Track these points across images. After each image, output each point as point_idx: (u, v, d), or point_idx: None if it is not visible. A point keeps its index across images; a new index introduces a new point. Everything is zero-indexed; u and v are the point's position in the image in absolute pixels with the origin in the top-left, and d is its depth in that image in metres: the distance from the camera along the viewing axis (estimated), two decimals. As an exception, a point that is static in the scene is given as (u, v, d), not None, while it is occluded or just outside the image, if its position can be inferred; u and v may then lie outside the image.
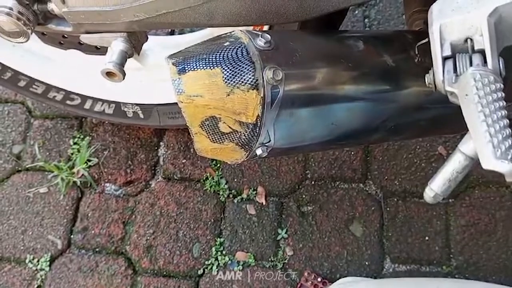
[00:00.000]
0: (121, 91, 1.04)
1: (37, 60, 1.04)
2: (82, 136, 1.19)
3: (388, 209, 1.07)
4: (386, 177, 1.10)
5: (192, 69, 0.50)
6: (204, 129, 0.53)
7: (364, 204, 1.08)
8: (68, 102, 1.08)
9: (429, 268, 1.02)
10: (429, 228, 1.05)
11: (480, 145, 0.38)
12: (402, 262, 1.02)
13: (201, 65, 0.51)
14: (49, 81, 1.06)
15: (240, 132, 0.52)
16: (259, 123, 0.52)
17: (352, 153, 1.13)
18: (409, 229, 1.05)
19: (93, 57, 0.95)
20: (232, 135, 0.53)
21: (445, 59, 0.48)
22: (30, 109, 1.23)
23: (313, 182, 1.10)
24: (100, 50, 0.90)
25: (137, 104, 1.05)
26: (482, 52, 0.46)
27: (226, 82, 0.50)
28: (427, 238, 1.04)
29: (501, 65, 0.45)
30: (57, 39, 0.90)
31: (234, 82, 0.50)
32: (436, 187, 0.44)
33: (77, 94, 1.07)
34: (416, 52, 0.61)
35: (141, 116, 1.07)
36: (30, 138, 1.20)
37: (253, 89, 0.50)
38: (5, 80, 1.04)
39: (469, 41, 0.47)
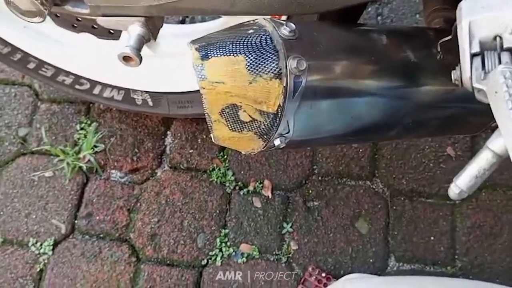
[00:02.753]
0: (131, 78, 1.04)
1: (48, 42, 1.03)
2: (89, 122, 1.18)
3: (394, 207, 1.07)
4: (393, 176, 1.10)
5: (215, 55, 0.50)
6: (223, 117, 0.52)
7: (371, 202, 1.07)
8: (77, 86, 1.07)
9: (434, 268, 1.01)
10: (435, 228, 1.04)
11: (510, 142, 0.37)
12: (407, 261, 1.02)
13: (224, 52, 0.50)
14: (59, 65, 1.05)
15: (260, 121, 0.52)
16: (279, 113, 0.51)
17: (360, 150, 1.12)
18: (415, 228, 1.05)
19: (105, 42, 0.94)
20: (251, 124, 0.52)
21: (473, 56, 0.47)
22: (37, 92, 1.22)
23: (320, 178, 1.10)
24: (114, 35, 0.89)
25: (146, 92, 1.04)
26: (511, 51, 0.46)
27: (249, 70, 0.49)
28: (432, 238, 1.04)
29: (530, 64, 0.45)
30: (70, 21, 0.88)
31: (257, 70, 0.49)
32: (462, 184, 0.44)
33: (87, 79, 1.06)
34: (439, 49, 0.60)
35: (150, 104, 1.06)
36: (37, 121, 1.19)
37: (276, 78, 0.50)
38: (14, 61, 1.03)
39: (498, 38, 0.46)
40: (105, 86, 1.06)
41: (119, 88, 1.06)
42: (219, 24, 0.99)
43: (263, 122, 0.52)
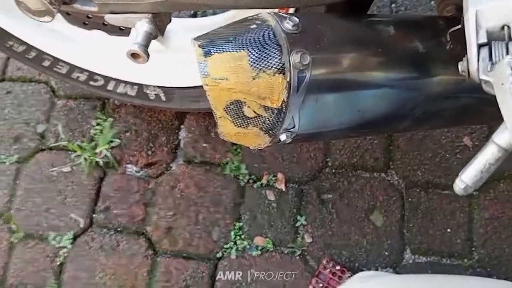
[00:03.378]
0: (144, 73, 1.04)
1: (62, 40, 1.05)
2: (104, 117, 1.20)
3: (410, 199, 1.05)
4: (409, 167, 1.08)
5: (218, 51, 0.50)
6: (228, 113, 0.52)
7: (385, 194, 1.06)
8: (91, 82, 1.09)
9: (450, 261, 1.00)
10: (451, 220, 1.03)
11: (516, 136, 0.36)
12: (423, 254, 1.01)
13: (227, 48, 0.50)
14: (73, 62, 1.06)
15: (265, 117, 0.52)
16: (284, 108, 0.51)
17: (375, 141, 1.11)
18: (431, 220, 1.03)
19: (117, 38, 0.95)
20: (256, 120, 0.52)
21: (480, 46, 0.46)
22: (53, 89, 1.25)
23: (333, 170, 1.09)
24: (124, 31, 0.90)
25: (159, 87, 1.05)
26: (519, 40, 0.44)
27: (252, 65, 0.49)
28: (449, 230, 1.02)
29: (540, 54, 0.43)
30: (81, 19, 0.89)
31: (260, 65, 0.49)
32: (467, 178, 0.43)
33: (101, 75, 1.07)
34: (448, 39, 0.59)
35: (163, 98, 1.07)
36: (54, 117, 1.21)
37: (279, 73, 0.49)
38: (30, 59, 1.05)
39: (506, 28, 0.45)
40: (118, 82, 1.07)
41: (132, 84, 1.07)
42: (229, 17, 0.98)
43: (268, 118, 0.52)
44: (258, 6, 0.61)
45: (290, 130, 0.54)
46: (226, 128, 0.54)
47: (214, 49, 0.50)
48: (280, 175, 1.09)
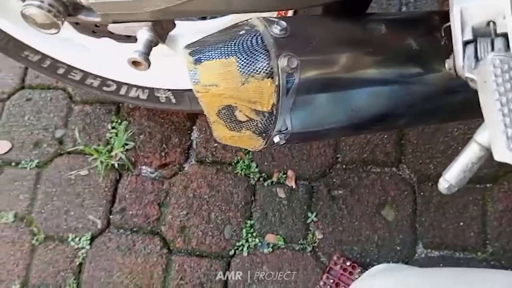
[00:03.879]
0: (154, 77, 1.07)
1: (74, 48, 1.08)
2: (119, 121, 1.23)
3: (421, 193, 1.05)
4: (420, 161, 1.08)
5: (208, 58, 0.51)
6: (221, 117, 0.54)
7: (397, 189, 1.06)
8: (104, 88, 1.12)
9: (463, 254, 0.99)
10: (464, 214, 1.02)
11: (493, 135, 0.36)
12: (435, 248, 1.01)
13: (216, 55, 0.51)
14: (86, 68, 1.10)
15: (257, 120, 0.53)
16: (275, 112, 0.52)
17: (385, 136, 1.11)
18: (443, 214, 1.02)
19: (126, 44, 0.97)
20: (249, 123, 0.53)
21: (466, 43, 0.46)
22: (70, 95, 1.29)
23: (344, 166, 1.10)
24: (131, 39, 0.92)
25: (169, 90, 1.07)
26: (505, 36, 0.44)
27: (240, 71, 0.50)
28: (462, 223, 1.01)
29: (525, 49, 0.43)
30: (89, 28, 0.92)
31: (248, 71, 0.50)
32: (450, 178, 0.43)
33: (113, 81, 1.10)
34: (443, 34, 0.58)
35: (173, 101, 1.09)
36: (71, 122, 1.25)
37: (267, 78, 0.50)
38: (45, 68, 1.09)
39: (491, 24, 0.45)
40: (130, 86, 1.10)
41: (143, 88, 1.09)
42: (236, 18, 0.99)
43: (260, 121, 0.53)
44: (252, 10, 0.62)
45: (284, 132, 0.55)
46: (221, 132, 0.56)
47: (204, 56, 0.51)
48: (290, 173, 1.10)
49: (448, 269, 0.94)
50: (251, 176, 1.11)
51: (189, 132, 1.20)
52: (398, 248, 1.01)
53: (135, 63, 0.69)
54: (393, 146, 1.10)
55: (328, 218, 1.05)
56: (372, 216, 1.04)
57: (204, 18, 1.31)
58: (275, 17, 0.55)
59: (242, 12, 0.62)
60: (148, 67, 0.70)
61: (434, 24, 0.60)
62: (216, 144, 1.17)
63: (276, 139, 0.55)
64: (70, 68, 1.10)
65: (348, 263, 0.99)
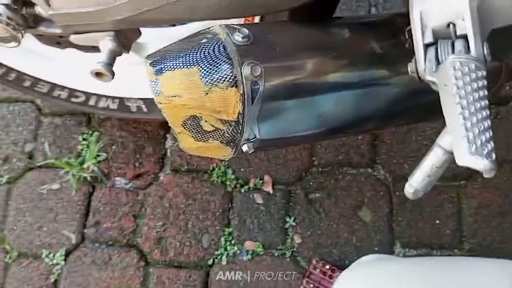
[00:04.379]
0: (123, 87, 1.05)
1: (40, 59, 1.05)
2: (90, 132, 1.20)
3: (397, 193, 1.05)
4: (395, 161, 1.08)
5: (169, 69, 0.50)
6: (186, 128, 0.52)
7: (373, 189, 1.06)
8: (73, 99, 1.09)
9: (441, 252, 1.00)
10: (440, 212, 1.02)
11: (455, 139, 0.36)
12: (413, 247, 1.01)
13: (178, 65, 0.50)
14: (53, 80, 1.07)
15: (223, 130, 0.52)
16: (241, 120, 0.51)
17: (360, 137, 1.11)
18: (420, 213, 1.03)
19: (93, 54, 0.95)
20: (215, 133, 0.52)
21: (427, 46, 0.46)
22: (39, 107, 1.26)
23: (320, 169, 1.09)
24: (97, 48, 0.90)
25: (140, 99, 1.05)
26: (465, 37, 0.44)
27: (203, 80, 0.49)
28: (438, 221, 1.02)
29: (485, 50, 0.43)
30: (54, 39, 0.90)
31: (212, 80, 0.49)
32: (415, 183, 0.43)
33: (81, 91, 1.08)
34: (407, 37, 0.58)
35: (145, 110, 1.07)
36: (41, 136, 1.22)
37: (232, 86, 0.49)
38: (10, 81, 1.06)
39: (451, 26, 0.45)
40: (99, 96, 1.08)
41: (113, 98, 1.07)
42: (205, 23, 0.98)
43: (227, 131, 0.52)
44: (215, 18, 0.61)
45: (252, 140, 0.54)
46: (187, 143, 0.54)
47: (165, 66, 0.50)
48: (266, 178, 1.10)
49: (429, 258, 0.94)
50: (228, 183, 1.10)
51: (162, 141, 1.18)
52: (376, 249, 1.02)
53: (98, 74, 0.68)
54: (367, 147, 1.10)
55: (306, 222, 1.05)
56: (350, 218, 1.04)
57: (173, 25, 1.30)
58: (237, 25, 0.54)
59: (205, 20, 0.61)
60: (112, 78, 0.68)
61: (398, 27, 0.60)
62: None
63: (245, 147, 0.54)
64: (36, 80, 1.07)
65: (327, 267, 0.98)
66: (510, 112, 1.09)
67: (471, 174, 1.04)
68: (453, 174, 1.04)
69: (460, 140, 0.35)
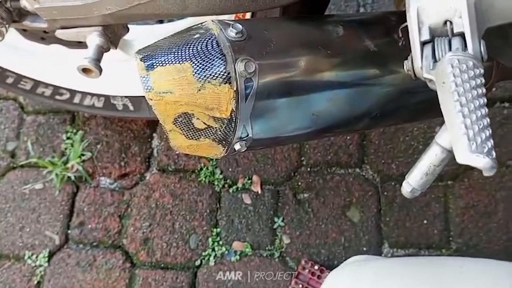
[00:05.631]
0: (109, 84, 1.03)
1: (23, 56, 1.02)
2: (74, 131, 1.18)
3: (385, 193, 1.05)
4: (383, 161, 1.08)
5: (161, 64, 0.48)
6: (177, 126, 0.51)
7: (361, 189, 1.06)
8: (57, 97, 1.07)
9: (428, 252, 1.00)
10: (427, 212, 1.03)
11: (455, 137, 0.36)
12: (401, 247, 1.01)
13: (170, 60, 0.49)
14: (37, 77, 1.04)
15: (216, 127, 0.51)
16: (234, 118, 0.50)
17: (348, 137, 1.11)
18: (407, 213, 1.03)
19: (79, 50, 0.93)
20: (207, 131, 0.51)
21: (423, 44, 0.45)
22: (22, 105, 1.22)
23: (308, 169, 1.09)
24: (83, 45, 0.88)
25: (126, 97, 1.03)
26: (462, 35, 0.44)
27: (196, 76, 0.48)
28: (425, 221, 1.02)
29: (482, 48, 0.43)
30: (38, 34, 0.87)
31: (204, 76, 0.48)
32: (413, 181, 0.42)
33: (66, 89, 1.05)
34: (400, 35, 0.58)
35: (131, 108, 1.05)
36: (24, 134, 1.19)
37: (225, 83, 0.48)
38: (-8, 78, 1.03)
39: (448, 23, 0.44)
40: (84, 94, 1.06)
41: (98, 95, 1.05)
42: (194, 20, 0.97)
43: (219, 128, 0.51)
44: (208, 13, 0.59)
45: (244, 138, 0.53)
46: (178, 141, 0.53)
47: (157, 62, 0.49)
48: (255, 178, 1.09)
49: (416, 258, 0.95)
50: (216, 183, 1.09)
51: (149, 140, 1.16)
52: (364, 249, 1.01)
53: (85, 71, 0.66)
54: (355, 147, 1.10)
55: (295, 222, 1.04)
56: (338, 218, 1.04)
57: (161, 22, 1.28)
58: (230, 20, 0.53)
59: (197, 15, 0.60)
60: (100, 74, 0.66)
61: (391, 25, 0.59)
62: (178, 152, 1.13)
63: (237, 146, 0.53)
64: (19, 77, 1.05)
65: (316, 267, 0.98)
66: (496, 114, 1.10)
67: (458, 174, 1.05)
68: (440, 175, 1.04)
69: (460, 138, 0.35)
